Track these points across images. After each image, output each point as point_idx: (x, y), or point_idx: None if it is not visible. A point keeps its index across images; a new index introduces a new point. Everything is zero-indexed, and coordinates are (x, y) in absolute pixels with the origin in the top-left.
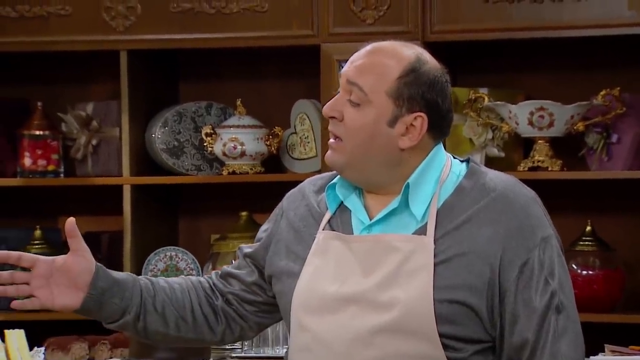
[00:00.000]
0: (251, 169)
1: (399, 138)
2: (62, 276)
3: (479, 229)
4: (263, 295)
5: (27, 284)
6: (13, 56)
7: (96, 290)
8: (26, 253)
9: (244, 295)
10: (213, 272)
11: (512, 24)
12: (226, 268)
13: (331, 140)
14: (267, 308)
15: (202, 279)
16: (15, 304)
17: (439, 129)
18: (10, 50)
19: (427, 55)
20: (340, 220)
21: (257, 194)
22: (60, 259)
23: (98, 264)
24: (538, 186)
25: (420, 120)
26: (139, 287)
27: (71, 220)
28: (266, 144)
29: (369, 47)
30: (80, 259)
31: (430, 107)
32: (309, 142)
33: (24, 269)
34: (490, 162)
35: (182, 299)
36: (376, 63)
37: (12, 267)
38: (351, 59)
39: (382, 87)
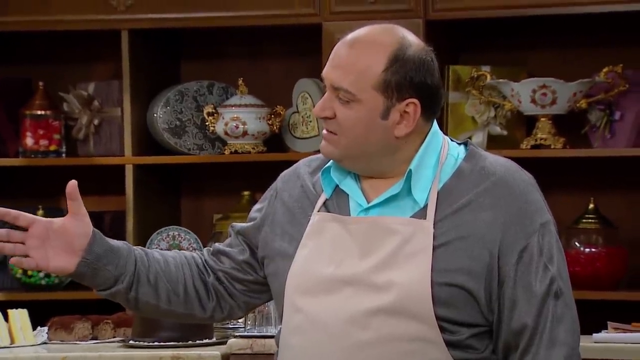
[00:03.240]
0: (253, 148)
1: (394, 127)
2: (58, 238)
3: (478, 214)
4: (254, 274)
5: (23, 243)
6: (14, 36)
7: (91, 256)
8: (24, 212)
9: (234, 273)
10: (205, 248)
11: (514, 1)
12: (218, 245)
13: (324, 131)
14: (256, 287)
15: (195, 254)
16: (13, 260)
17: (432, 109)
18: (11, 30)
19: (410, 37)
20: (337, 202)
21: (259, 173)
22: (58, 221)
23: (95, 229)
24: (541, 164)
25: (412, 107)
26: (134, 257)
27: (73, 182)
28: (268, 123)
29: (348, 39)
30: (78, 223)
31: (420, 90)
32: (311, 121)
33: (22, 229)
34: (493, 140)
35: (175, 272)
36: (358, 59)
37: (12, 226)
38: (331, 55)
39: (368, 83)
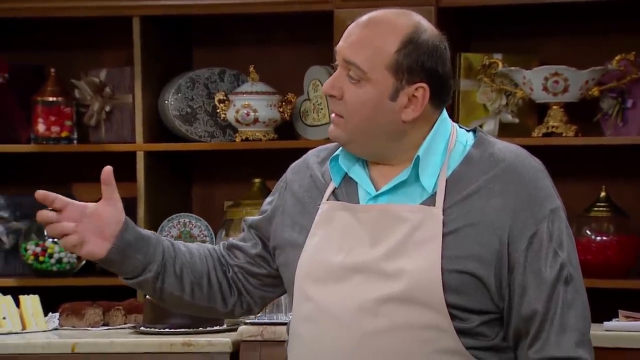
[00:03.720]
0: (264, 135)
1: (401, 111)
2: (91, 223)
3: (488, 200)
4: (267, 268)
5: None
6: (26, 22)
7: (122, 242)
8: (61, 195)
9: (248, 267)
10: (220, 243)
11: None
12: (232, 240)
13: (333, 115)
14: (270, 281)
15: (216, 247)
16: (65, 241)
17: (440, 97)
18: (23, 16)
19: (424, 23)
20: (346, 191)
21: (270, 160)
22: (91, 205)
23: (127, 216)
24: (552, 152)
25: (421, 91)
26: (162, 247)
27: (108, 168)
28: (279, 111)
29: (363, 18)
30: (111, 208)
31: (431, 75)
32: (322, 109)
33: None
34: (505, 128)
35: (200, 265)
36: (372, 38)
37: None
38: (346, 33)
39: (381, 62)
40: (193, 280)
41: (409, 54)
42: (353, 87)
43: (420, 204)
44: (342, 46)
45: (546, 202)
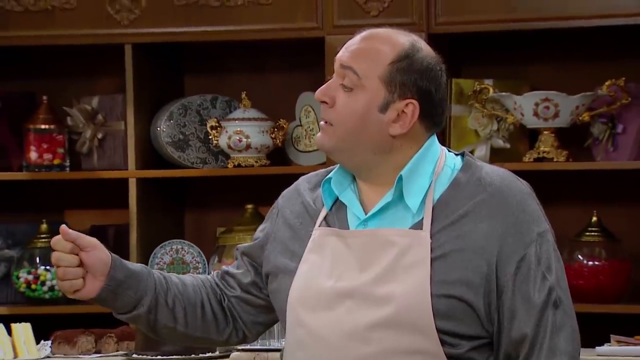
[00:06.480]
0: (256, 161)
1: (389, 125)
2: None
3: (475, 225)
4: (261, 295)
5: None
6: (18, 50)
7: (112, 281)
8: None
9: (243, 296)
10: (214, 272)
11: (517, 15)
12: (225, 268)
13: (322, 122)
14: (264, 309)
15: (209, 277)
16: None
17: (431, 118)
18: (15, 45)
19: (422, 44)
20: (336, 216)
21: (263, 186)
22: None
23: (114, 255)
24: (544, 177)
25: (411, 107)
26: (153, 280)
27: (62, 227)
28: (271, 137)
29: (364, 33)
30: (94, 252)
31: (423, 94)
32: (314, 135)
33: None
34: (496, 153)
35: (194, 296)
36: (370, 48)
37: None
38: (346, 44)
39: (375, 71)
40: (187, 312)
41: (403, 69)
42: (345, 95)
43: (409, 228)
44: (341, 54)
45: (533, 225)
